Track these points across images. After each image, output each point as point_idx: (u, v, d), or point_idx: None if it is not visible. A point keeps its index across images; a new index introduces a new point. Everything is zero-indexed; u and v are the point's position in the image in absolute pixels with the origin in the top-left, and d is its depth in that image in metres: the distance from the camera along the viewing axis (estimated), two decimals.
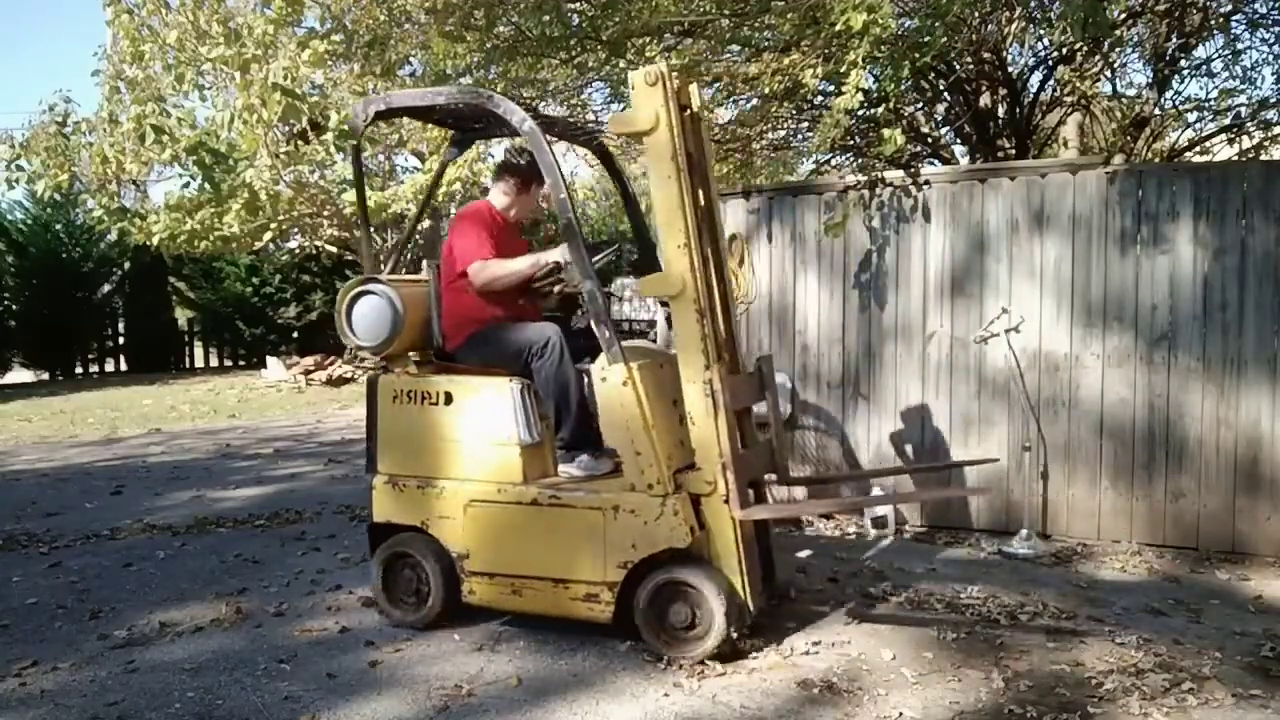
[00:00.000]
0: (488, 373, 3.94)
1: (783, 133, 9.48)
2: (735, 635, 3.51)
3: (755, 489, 3.98)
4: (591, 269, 3.70)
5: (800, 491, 5.42)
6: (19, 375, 19.06)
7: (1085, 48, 7.39)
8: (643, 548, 3.55)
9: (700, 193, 3.83)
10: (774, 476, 4.27)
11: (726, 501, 3.54)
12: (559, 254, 3.90)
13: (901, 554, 5.08)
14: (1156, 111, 8.17)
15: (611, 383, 3.62)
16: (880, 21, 4.57)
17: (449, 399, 3.91)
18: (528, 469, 3.79)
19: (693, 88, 3.89)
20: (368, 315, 4.03)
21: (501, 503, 3.79)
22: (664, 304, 4.10)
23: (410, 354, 4.13)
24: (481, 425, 3.84)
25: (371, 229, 20.63)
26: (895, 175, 5.63)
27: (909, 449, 5.63)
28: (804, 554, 5.10)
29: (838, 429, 5.84)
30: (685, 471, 3.65)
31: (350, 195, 15.32)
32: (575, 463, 3.90)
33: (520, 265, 3.99)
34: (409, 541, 3.98)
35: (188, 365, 21.14)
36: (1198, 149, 8.82)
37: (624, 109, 8.56)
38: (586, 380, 3.84)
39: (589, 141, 4.84)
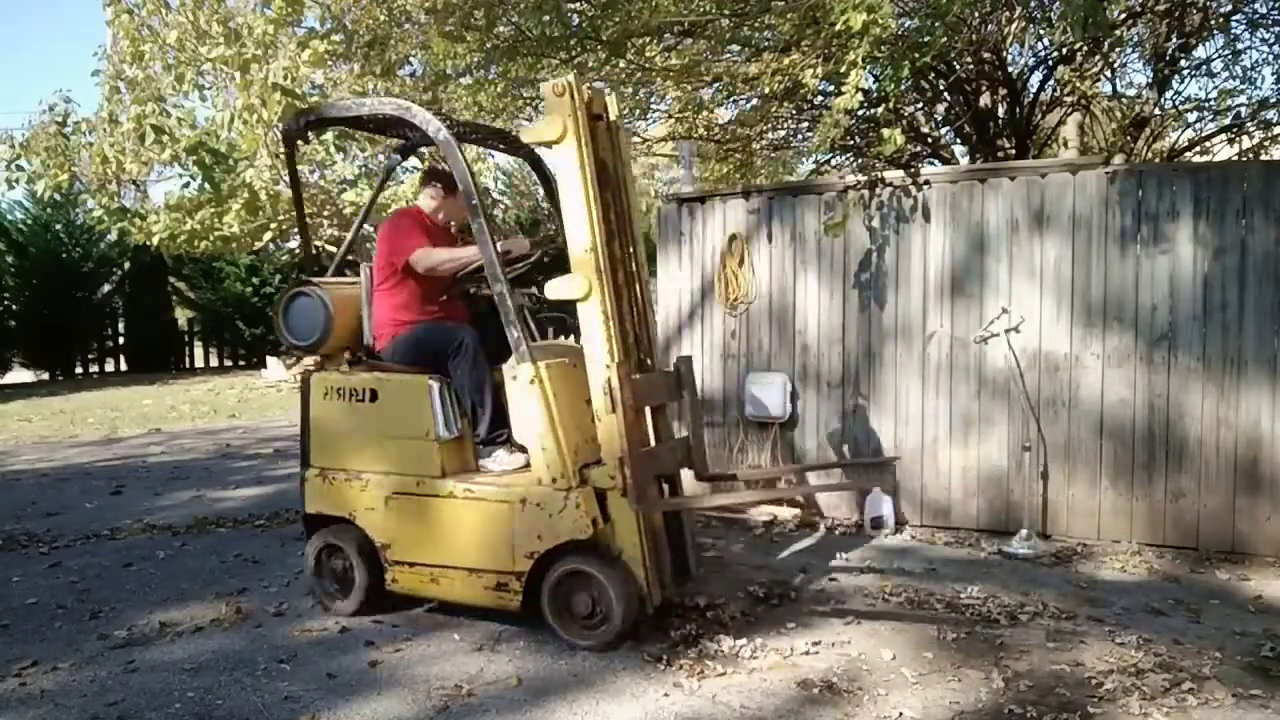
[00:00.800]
0: (413, 371, 4.10)
1: (783, 133, 9.48)
2: (635, 623, 3.67)
3: (670, 483, 4.13)
4: (501, 271, 3.84)
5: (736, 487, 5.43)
6: (19, 375, 19.06)
7: (1085, 48, 7.39)
8: (548, 539, 3.70)
9: (618, 199, 4.00)
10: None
11: (624, 495, 3.65)
12: (513, 245, 4.13)
13: (901, 554, 5.08)
14: (1156, 111, 8.17)
15: (520, 381, 3.78)
16: (880, 21, 4.56)
17: (374, 396, 4.09)
18: (446, 463, 3.96)
19: (610, 98, 4.06)
20: (301, 316, 4.26)
21: (420, 495, 3.96)
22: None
23: (344, 353, 4.32)
24: (403, 421, 4.02)
25: (371, 229, 20.62)
26: (895, 175, 5.63)
27: (908, 449, 5.63)
28: (802, 550, 5.10)
29: (838, 429, 5.84)
30: (592, 467, 3.78)
31: (350, 195, 15.33)
32: (492, 458, 4.10)
33: (463, 253, 4.14)
34: (338, 532, 4.16)
35: (188, 365, 21.14)
36: (1198, 149, 8.82)
37: (625, 109, 8.56)
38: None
39: (514, 148, 4.85)
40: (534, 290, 4.35)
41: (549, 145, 3.75)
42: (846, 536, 5.51)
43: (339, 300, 4.24)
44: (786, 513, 5.87)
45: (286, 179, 14.55)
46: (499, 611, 3.90)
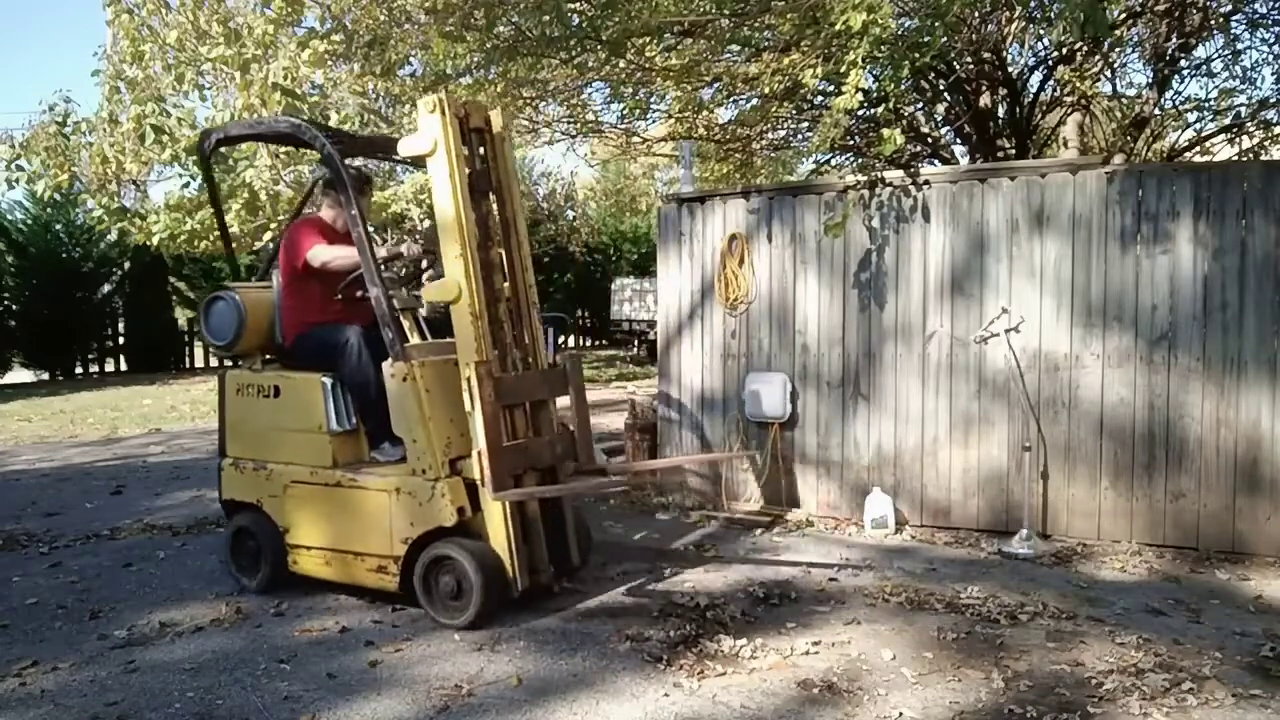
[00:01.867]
0: (315, 369, 4.40)
1: (783, 133, 9.49)
2: (495, 606, 3.92)
3: (550, 475, 4.34)
4: (378, 277, 4.14)
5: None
6: (19, 375, 19.05)
7: (1085, 48, 7.39)
8: (419, 526, 4.00)
9: (504, 207, 4.38)
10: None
11: (482, 484, 3.90)
12: (403, 249, 4.56)
13: (901, 554, 5.08)
14: (1156, 111, 8.18)
15: (395, 379, 4.07)
16: (880, 21, 4.57)
17: (277, 392, 4.46)
18: (337, 454, 4.30)
19: (495, 112, 4.38)
20: (220, 319, 4.59)
21: (314, 484, 4.31)
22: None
23: (259, 352, 4.67)
24: (300, 416, 4.37)
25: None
26: (895, 175, 5.63)
27: (908, 449, 5.63)
28: (804, 554, 5.10)
29: (837, 429, 5.84)
30: (465, 459, 4.02)
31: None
32: (379, 450, 4.37)
33: (353, 251, 4.30)
34: (248, 517, 4.51)
35: (188, 365, 21.12)
36: (1198, 149, 8.83)
37: (625, 109, 8.57)
38: None
39: (401, 159, 4.97)
40: (418, 293, 4.67)
41: (422, 158, 4.06)
42: (847, 536, 5.51)
43: (252, 303, 4.55)
44: (787, 515, 5.87)
45: (289, 179, 14.58)
46: (382, 592, 4.19)
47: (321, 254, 4.40)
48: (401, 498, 4.05)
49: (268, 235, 16.02)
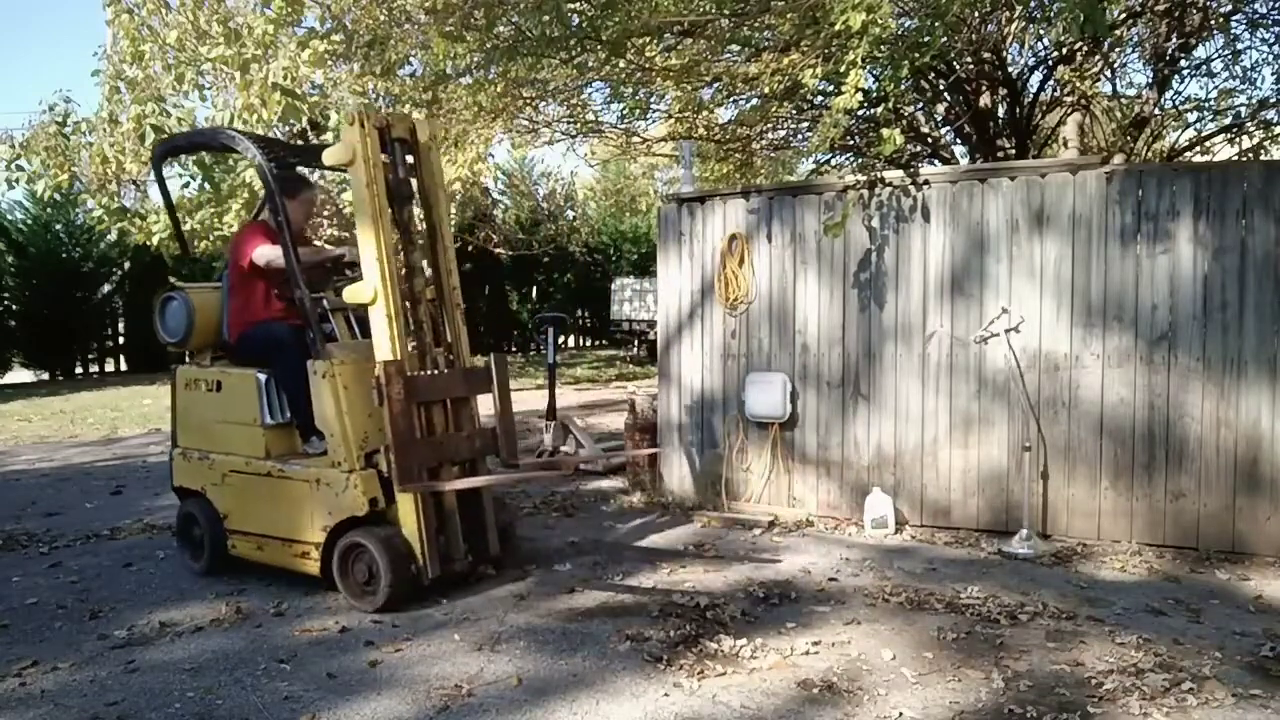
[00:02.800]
0: (256, 365, 4.66)
1: (783, 133, 9.49)
2: (405, 591, 4.15)
3: (470, 469, 4.56)
4: (301, 280, 4.40)
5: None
6: (19, 375, 19.05)
7: (1085, 48, 7.39)
8: (335, 515, 4.25)
9: (431, 213, 4.63)
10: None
11: (389, 477, 4.10)
12: (341, 251, 4.85)
13: (901, 554, 5.08)
14: (1156, 111, 8.18)
15: (317, 376, 4.32)
16: (879, 21, 4.56)
17: (219, 387, 4.77)
18: (270, 446, 4.58)
19: (421, 122, 4.61)
20: (172, 317, 4.92)
21: (249, 473, 4.60)
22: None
23: (209, 349, 4.95)
24: (238, 409, 4.66)
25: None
26: (895, 175, 5.63)
27: (908, 449, 5.63)
28: (805, 553, 5.10)
29: (838, 429, 5.84)
30: (380, 452, 4.23)
31: (350, 195, 15.32)
32: (309, 443, 4.58)
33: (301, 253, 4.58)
34: (195, 503, 4.83)
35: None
36: (1198, 149, 8.83)
37: (625, 109, 8.56)
38: None
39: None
40: (331, 294, 4.90)
41: (343, 168, 4.33)
42: (848, 536, 5.52)
43: (201, 302, 4.87)
44: (787, 515, 5.87)
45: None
46: (302, 574, 4.47)
47: (266, 253, 4.59)
48: (321, 488, 4.30)
49: None
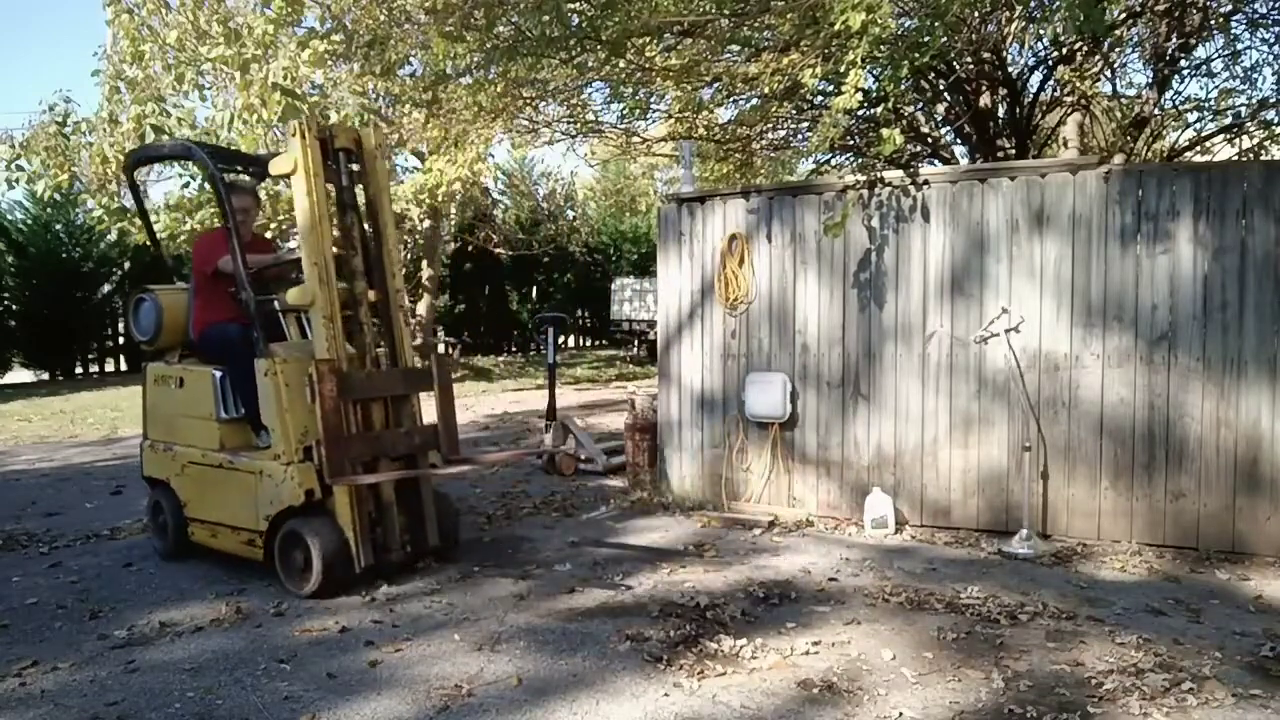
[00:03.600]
0: (216, 363, 4.91)
1: (782, 133, 9.49)
2: (337, 578, 4.36)
3: (410, 463, 4.73)
4: (247, 282, 4.63)
5: None
6: (19, 375, 19.05)
7: (1085, 48, 7.40)
8: (275, 505, 4.47)
9: (376, 219, 4.83)
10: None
11: (321, 469, 4.33)
12: (297, 255, 4.82)
13: (901, 554, 5.08)
14: (1156, 111, 8.18)
15: (262, 374, 4.54)
16: (879, 21, 4.56)
17: (181, 383, 5.04)
18: (224, 440, 4.83)
19: (367, 131, 4.86)
20: (144, 317, 5.17)
21: (205, 465, 4.86)
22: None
23: (178, 347, 5.19)
24: (196, 404, 4.93)
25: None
26: (895, 175, 5.63)
27: (908, 449, 5.63)
28: (807, 554, 5.10)
29: (838, 429, 5.84)
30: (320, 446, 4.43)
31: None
32: (259, 437, 4.79)
33: (257, 259, 4.88)
34: (160, 491, 5.15)
35: None
36: (1198, 149, 8.83)
37: (625, 109, 8.56)
38: None
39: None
40: (279, 296, 5.05)
41: (285, 177, 4.55)
42: (848, 536, 5.52)
43: (169, 303, 5.12)
44: (787, 515, 5.87)
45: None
46: (251, 560, 4.71)
47: (228, 264, 4.82)
48: (264, 479, 4.53)
49: (268, 235, 16.02)
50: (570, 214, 27.24)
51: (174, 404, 5.07)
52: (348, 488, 4.38)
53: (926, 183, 5.55)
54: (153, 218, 13.96)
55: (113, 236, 17.90)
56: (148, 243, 14.26)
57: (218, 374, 4.83)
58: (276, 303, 4.95)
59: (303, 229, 4.45)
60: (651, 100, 8.53)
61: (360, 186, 4.80)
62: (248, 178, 5.49)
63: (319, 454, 4.33)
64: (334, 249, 4.58)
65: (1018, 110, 8.25)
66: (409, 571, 4.74)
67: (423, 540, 4.77)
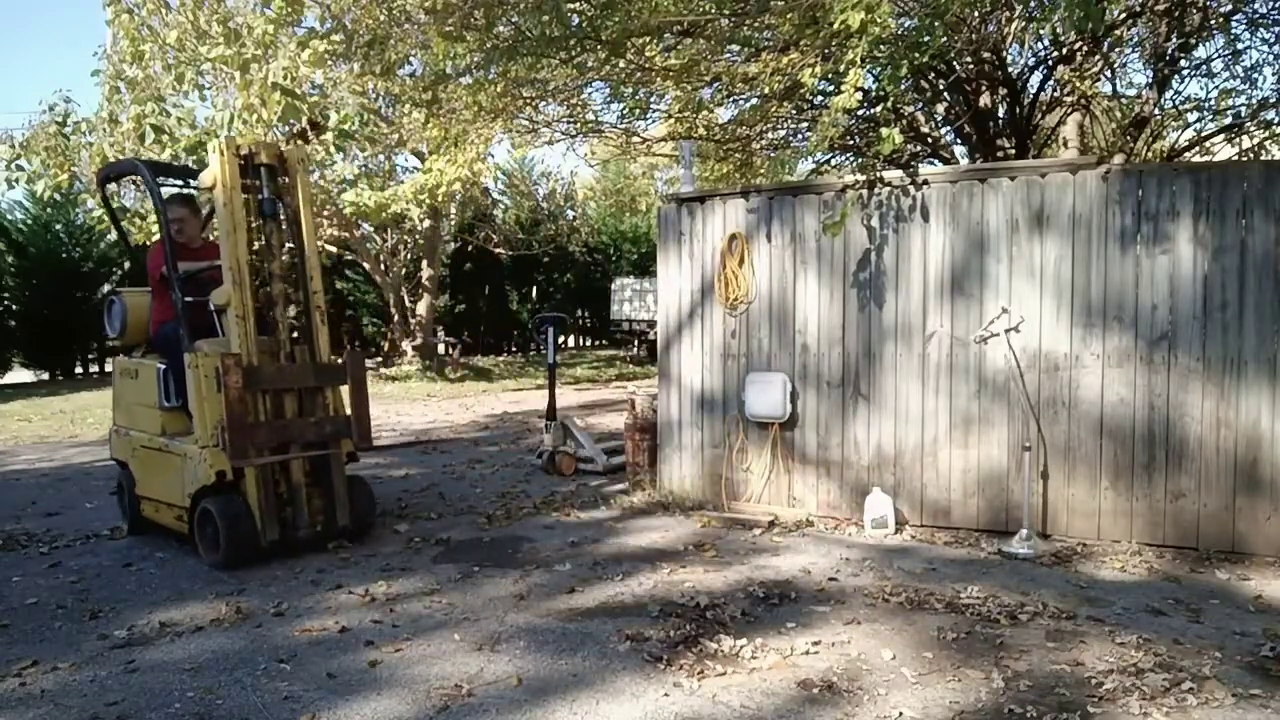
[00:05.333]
0: (165, 357, 5.37)
1: (782, 133, 9.49)
2: (243, 551, 4.86)
3: (321, 450, 5.20)
4: (176, 284, 5.13)
5: None
6: (19, 375, 19.05)
7: (1085, 48, 7.40)
8: (194, 484, 4.97)
9: (297, 229, 5.27)
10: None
11: (224, 452, 4.81)
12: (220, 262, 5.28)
13: (901, 554, 5.08)
14: (1156, 111, 8.18)
15: (188, 368, 5.02)
16: (878, 21, 4.56)
17: (136, 375, 5.60)
18: (166, 426, 5.35)
19: (288, 149, 5.35)
20: (115, 316, 5.74)
21: (150, 448, 5.41)
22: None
23: (140, 344, 5.72)
24: (145, 394, 5.49)
25: (370, 229, 20.51)
26: (894, 175, 5.63)
27: (908, 449, 5.63)
28: (806, 554, 5.11)
29: (838, 429, 5.84)
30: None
31: (350, 195, 15.34)
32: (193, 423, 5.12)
33: (189, 266, 5.33)
34: (123, 472, 5.75)
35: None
36: (1198, 149, 8.83)
37: (625, 109, 8.56)
38: None
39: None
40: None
41: (208, 190, 5.06)
42: (848, 536, 5.52)
43: (134, 304, 5.69)
44: (787, 515, 5.87)
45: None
46: (182, 534, 5.21)
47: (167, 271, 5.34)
48: (187, 462, 5.02)
49: None
50: (570, 214, 27.26)
51: (132, 394, 5.64)
52: (256, 470, 4.89)
53: (926, 182, 5.55)
54: (152, 218, 13.97)
55: (112, 236, 17.90)
56: (132, 245, 14.27)
57: (161, 367, 5.34)
58: (212, 303, 5.26)
59: (221, 237, 4.97)
60: (651, 100, 8.53)
61: (291, 199, 5.29)
62: (193, 190, 5.89)
63: (222, 438, 4.79)
64: (250, 255, 5.05)
65: (1018, 110, 8.25)
66: (325, 551, 5.21)
67: (333, 521, 5.25)
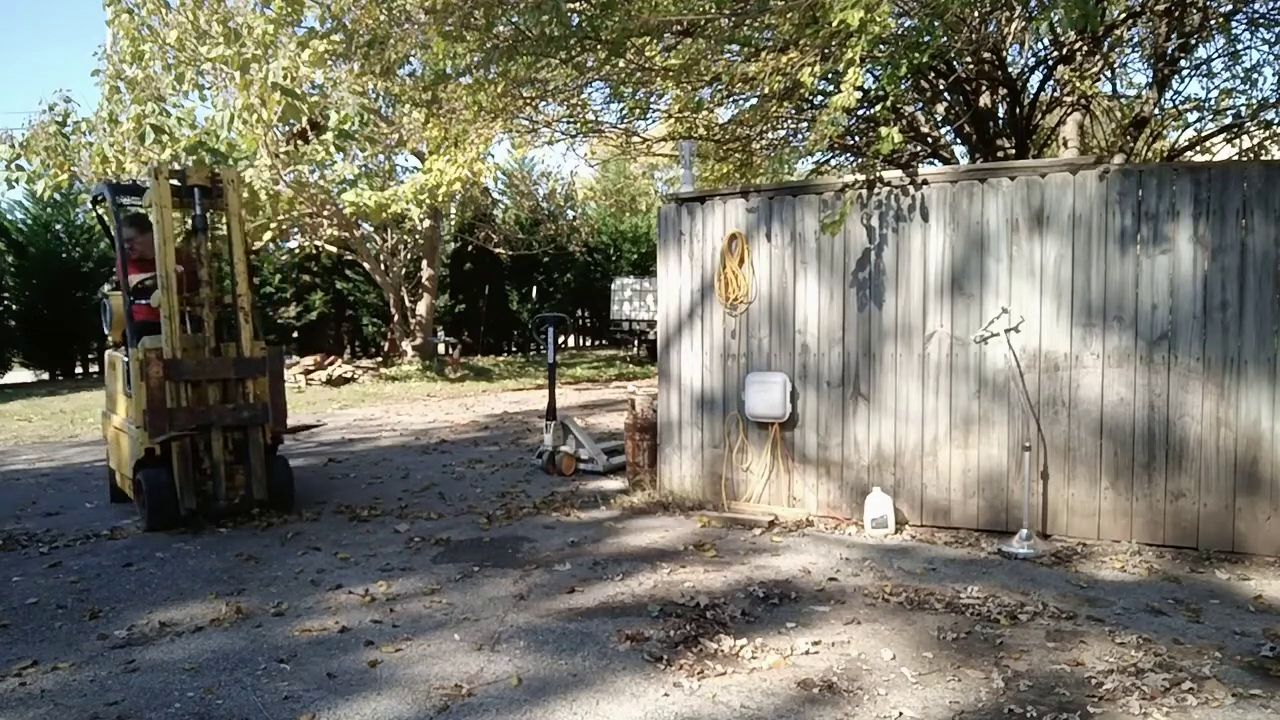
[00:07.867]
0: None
1: (782, 132, 9.49)
2: (165, 516, 5.75)
3: (240, 432, 5.94)
4: (127, 289, 5.99)
5: None
6: (19, 375, 19.04)
7: (1085, 48, 7.40)
8: (134, 458, 5.83)
9: (230, 240, 6.07)
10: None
11: (148, 431, 5.60)
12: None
13: (901, 554, 5.08)
14: (1156, 111, 8.18)
15: (130, 361, 5.85)
16: (878, 20, 4.56)
17: (114, 367, 6.52)
18: (128, 410, 6.06)
19: (223, 170, 6.14)
20: (106, 314, 6.47)
21: (118, 429, 6.29)
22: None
23: (125, 340, 6.25)
24: (119, 382, 6.32)
25: (370, 229, 20.47)
26: (894, 175, 5.63)
27: (908, 449, 5.63)
28: (808, 554, 5.10)
29: (838, 429, 5.84)
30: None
31: (350, 195, 15.33)
32: None
33: (134, 277, 6.14)
34: (108, 451, 6.73)
35: None
36: (1198, 149, 8.83)
37: (625, 109, 8.56)
38: None
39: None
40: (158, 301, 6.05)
41: (146, 208, 5.97)
42: (848, 535, 5.52)
43: (118, 304, 6.28)
44: (787, 515, 5.87)
45: (289, 179, 14.52)
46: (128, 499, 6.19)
47: (133, 278, 6.14)
48: (131, 438, 5.89)
49: (267, 235, 16.03)
50: (570, 214, 27.25)
51: (113, 382, 6.58)
52: (179, 447, 5.69)
53: (926, 182, 5.55)
54: None
55: None
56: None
57: (126, 358, 6.04)
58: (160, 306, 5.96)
59: (156, 250, 5.68)
60: (651, 100, 8.54)
61: (223, 216, 6.13)
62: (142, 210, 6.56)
63: (143, 420, 5.59)
64: (179, 265, 5.73)
65: (1018, 110, 8.25)
66: (249, 519, 6.03)
67: (250, 494, 6.00)
